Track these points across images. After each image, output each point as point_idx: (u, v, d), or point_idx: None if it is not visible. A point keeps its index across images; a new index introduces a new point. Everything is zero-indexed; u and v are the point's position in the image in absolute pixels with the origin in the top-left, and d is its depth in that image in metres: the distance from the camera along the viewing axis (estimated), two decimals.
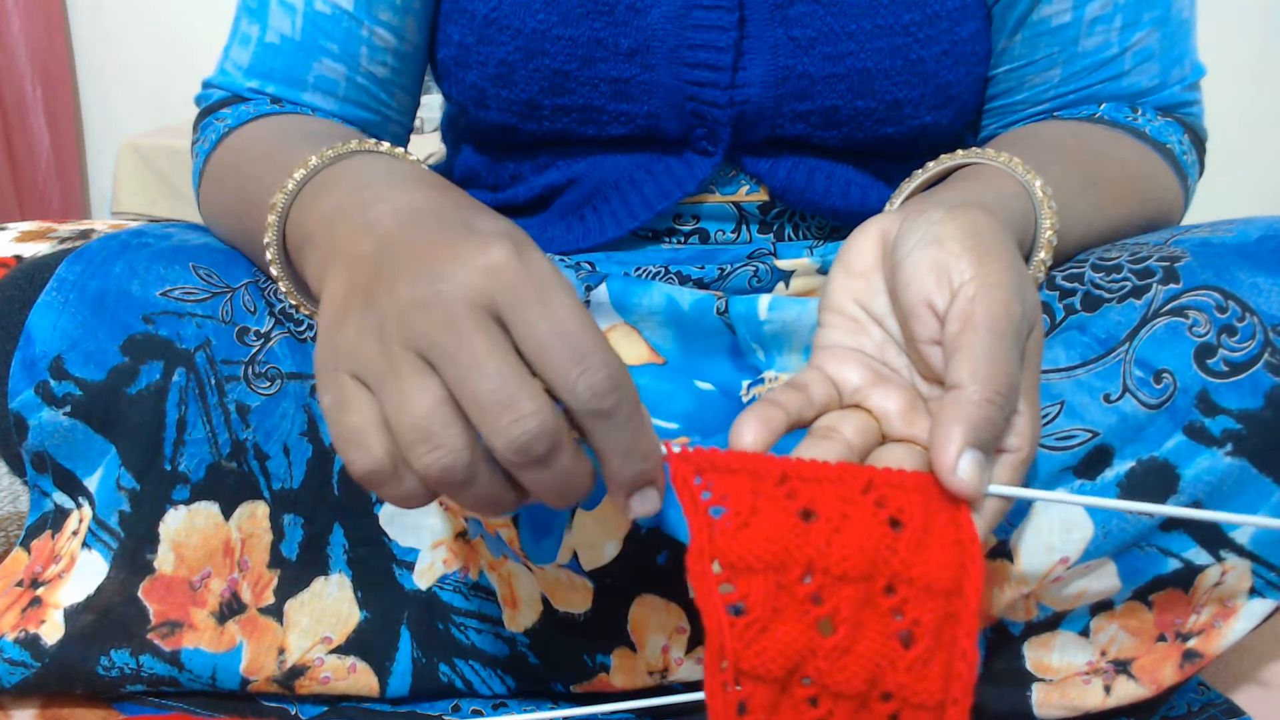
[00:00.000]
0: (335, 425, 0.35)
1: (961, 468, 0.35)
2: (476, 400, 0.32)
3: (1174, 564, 0.47)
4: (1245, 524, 0.37)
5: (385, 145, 0.47)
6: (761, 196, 0.61)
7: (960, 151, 0.51)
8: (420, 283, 0.33)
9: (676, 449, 0.35)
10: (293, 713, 0.53)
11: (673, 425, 0.53)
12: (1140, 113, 0.60)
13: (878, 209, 0.62)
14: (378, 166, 0.44)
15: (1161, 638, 0.49)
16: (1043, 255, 0.47)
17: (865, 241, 0.43)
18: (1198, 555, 0.47)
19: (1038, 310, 0.40)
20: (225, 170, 0.57)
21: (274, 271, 0.47)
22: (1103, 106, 0.60)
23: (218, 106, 0.61)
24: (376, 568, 0.53)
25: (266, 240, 0.46)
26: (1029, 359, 0.38)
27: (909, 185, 0.52)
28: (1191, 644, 0.48)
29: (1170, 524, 0.47)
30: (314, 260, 0.41)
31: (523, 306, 0.33)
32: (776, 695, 0.35)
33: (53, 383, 0.49)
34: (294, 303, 0.49)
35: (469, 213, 0.38)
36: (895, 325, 0.42)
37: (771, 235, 0.63)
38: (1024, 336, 0.38)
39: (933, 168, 0.51)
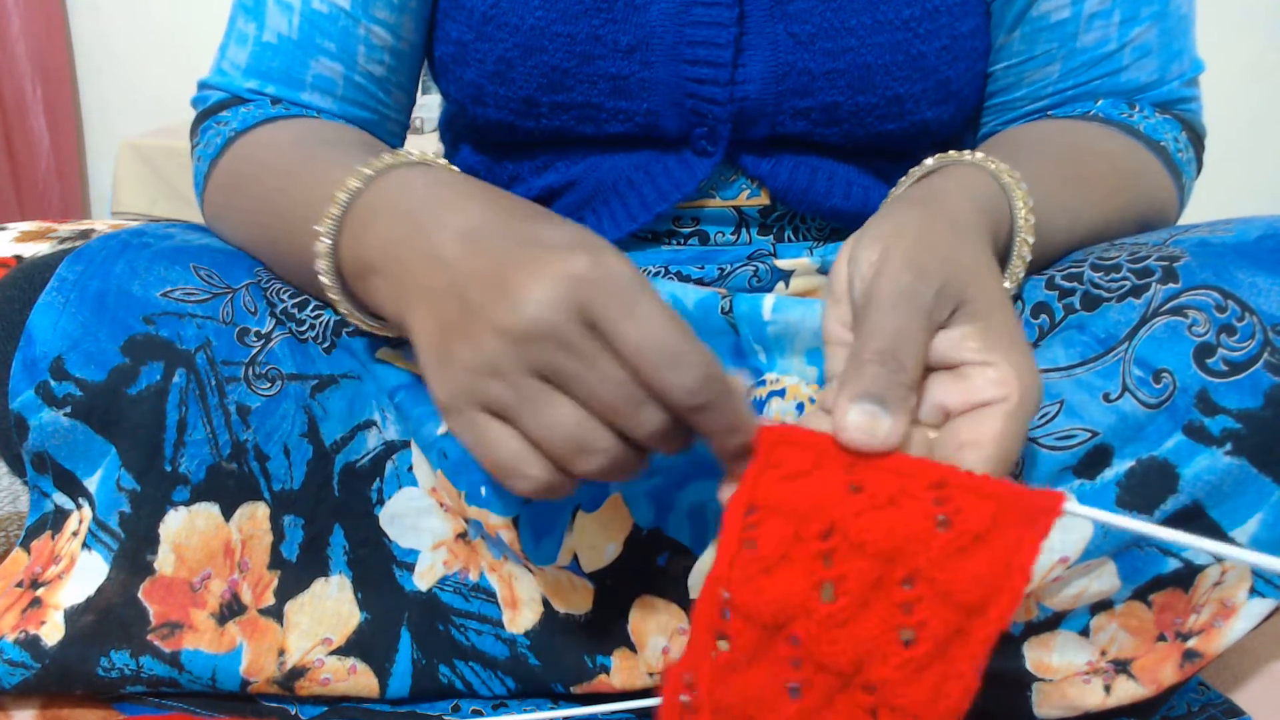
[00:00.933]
0: (488, 460, 0.38)
1: (850, 418, 0.36)
2: (616, 408, 0.36)
3: (1174, 564, 0.47)
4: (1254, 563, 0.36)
5: (416, 154, 0.47)
6: (762, 200, 0.61)
7: (933, 158, 0.51)
8: (521, 309, 0.36)
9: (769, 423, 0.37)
10: (293, 713, 0.53)
11: None
12: (1137, 109, 0.60)
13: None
14: (421, 181, 0.44)
15: (1161, 637, 0.49)
16: (1024, 235, 0.47)
17: (839, 266, 0.44)
18: (1197, 555, 0.47)
19: (978, 276, 0.40)
20: (243, 180, 0.56)
21: (331, 297, 0.47)
22: (1099, 103, 0.60)
23: (216, 109, 0.61)
24: (377, 569, 0.53)
25: (321, 268, 0.46)
26: (978, 313, 0.39)
27: (894, 194, 0.52)
28: (1191, 644, 0.48)
29: (1170, 524, 0.47)
30: (386, 293, 0.43)
31: (612, 315, 0.35)
32: (761, 641, 0.35)
33: (53, 383, 0.49)
34: (355, 324, 0.49)
35: (532, 224, 0.39)
36: None
37: (771, 237, 0.63)
38: (922, 300, 0.38)
39: (917, 173, 0.51)
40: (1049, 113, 0.62)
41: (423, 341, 0.39)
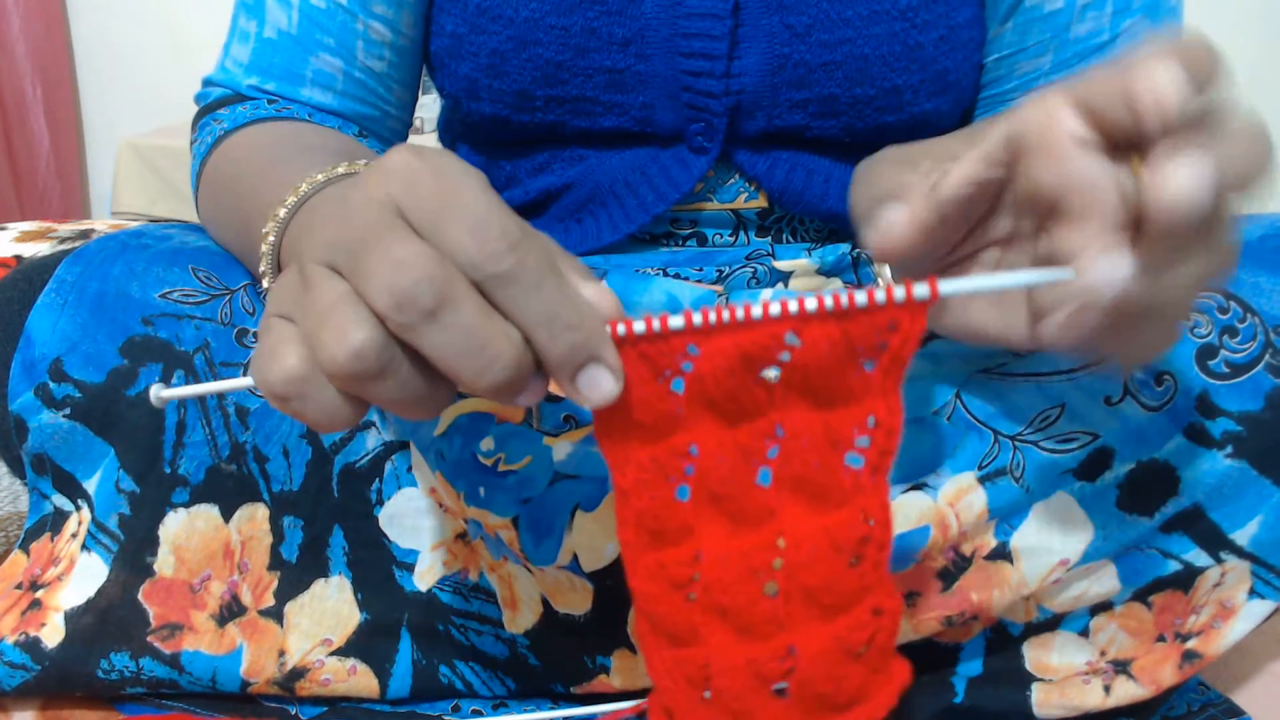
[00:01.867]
0: (254, 355, 0.32)
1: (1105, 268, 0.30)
2: (365, 272, 0.30)
3: (1174, 566, 0.47)
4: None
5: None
6: (759, 203, 0.61)
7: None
8: (332, 203, 0.33)
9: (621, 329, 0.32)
10: (293, 713, 0.53)
11: None
12: None
13: None
14: None
15: (1161, 638, 0.49)
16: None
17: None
18: (1198, 557, 0.47)
19: None
20: (223, 180, 0.56)
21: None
22: None
23: (216, 106, 0.62)
24: (376, 569, 0.53)
25: (262, 269, 0.46)
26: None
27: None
28: (1191, 644, 0.48)
29: (1170, 525, 0.47)
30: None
31: (421, 195, 0.30)
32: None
33: (52, 385, 0.49)
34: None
35: None
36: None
37: (769, 238, 0.63)
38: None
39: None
40: None
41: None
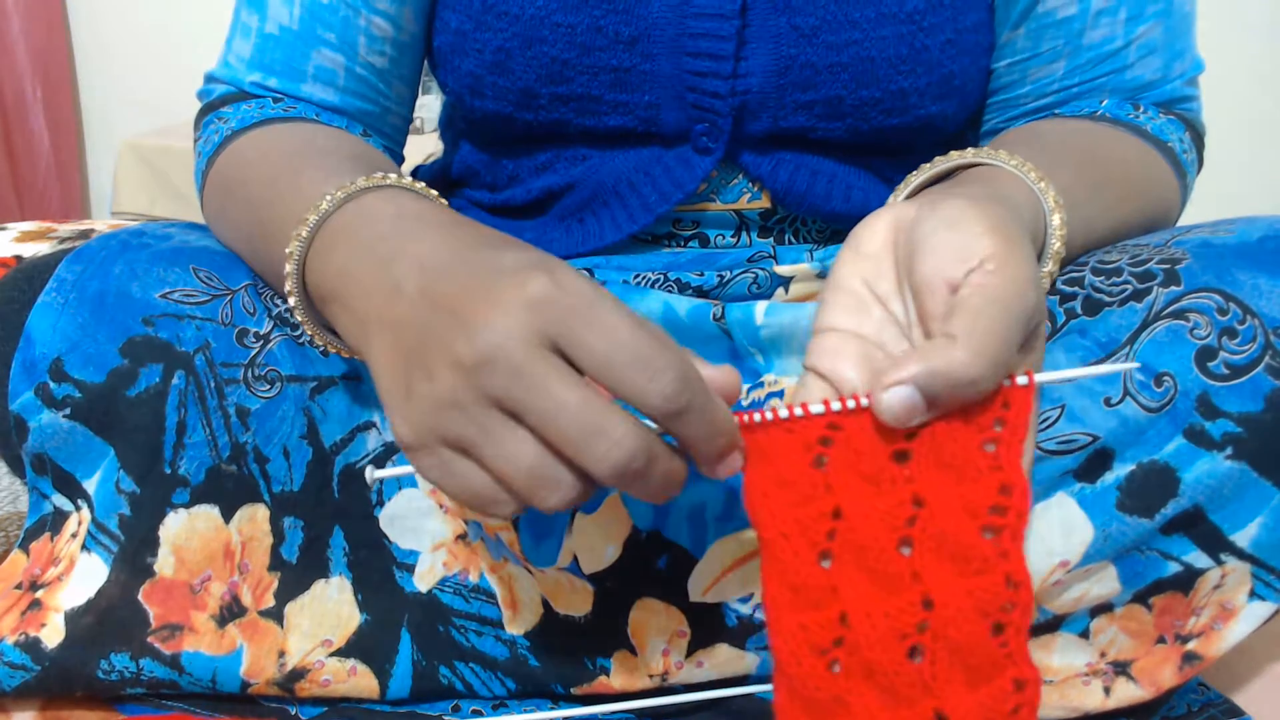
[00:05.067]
0: (457, 496, 0.37)
1: (892, 394, 0.35)
2: (568, 438, 0.34)
3: (1174, 567, 0.47)
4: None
5: (392, 177, 0.46)
6: (762, 204, 0.61)
7: (970, 151, 0.50)
8: (476, 339, 0.34)
9: (746, 419, 0.37)
10: (293, 713, 0.53)
11: None
12: (1142, 110, 0.60)
13: None
14: (388, 210, 0.44)
15: (1161, 640, 0.49)
16: (1050, 267, 0.47)
17: (878, 224, 0.42)
18: (1198, 559, 0.47)
19: (1044, 306, 0.39)
20: (233, 184, 0.56)
21: (299, 316, 0.46)
22: (1105, 103, 0.60)
23: (219, 103, 0.61)
24: (377, 570, 0.53)
25: (288, 289, 0.45)
26: (1034, 344, 0.38)
27: (916, 178, 0.51)
28: (1191, 646, 0.48)
29: (1170, 527, 0.47)
30: (347, 322, 0.42)
31: (576, 332, 0.34)
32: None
33: (52, 385, 0.49)
34: (320, 344, 0.48)
35: (491, 251, 0.38)
36: (899, 307, 0.41)
37: (771, 239, 0.62)
38: (1029, 327, 0.37)
39: (940, 163, 0.50)
40: (1055, 111, 0.62)
41: (382, 376, 0.39)
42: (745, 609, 0.52)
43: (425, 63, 0.67)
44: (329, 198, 0.45)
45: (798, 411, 0.36)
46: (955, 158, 0.50)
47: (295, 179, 0.49)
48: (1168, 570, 0.47)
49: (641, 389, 0.34)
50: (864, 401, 0.36)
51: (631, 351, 0.34)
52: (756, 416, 0.37)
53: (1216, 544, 0.47)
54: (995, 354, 0.35)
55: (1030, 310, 0.36)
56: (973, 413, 0.35)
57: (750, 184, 0.61)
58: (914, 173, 0.51)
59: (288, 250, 0.45)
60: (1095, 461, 0.46)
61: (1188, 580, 0.47)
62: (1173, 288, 0.47)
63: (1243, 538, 0.46)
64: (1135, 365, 0.40)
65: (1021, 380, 0.35)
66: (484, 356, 0.34)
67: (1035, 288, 0.37)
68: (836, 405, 0.36)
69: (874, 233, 0.41)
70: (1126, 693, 0.49)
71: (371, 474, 0.40)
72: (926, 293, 0.38)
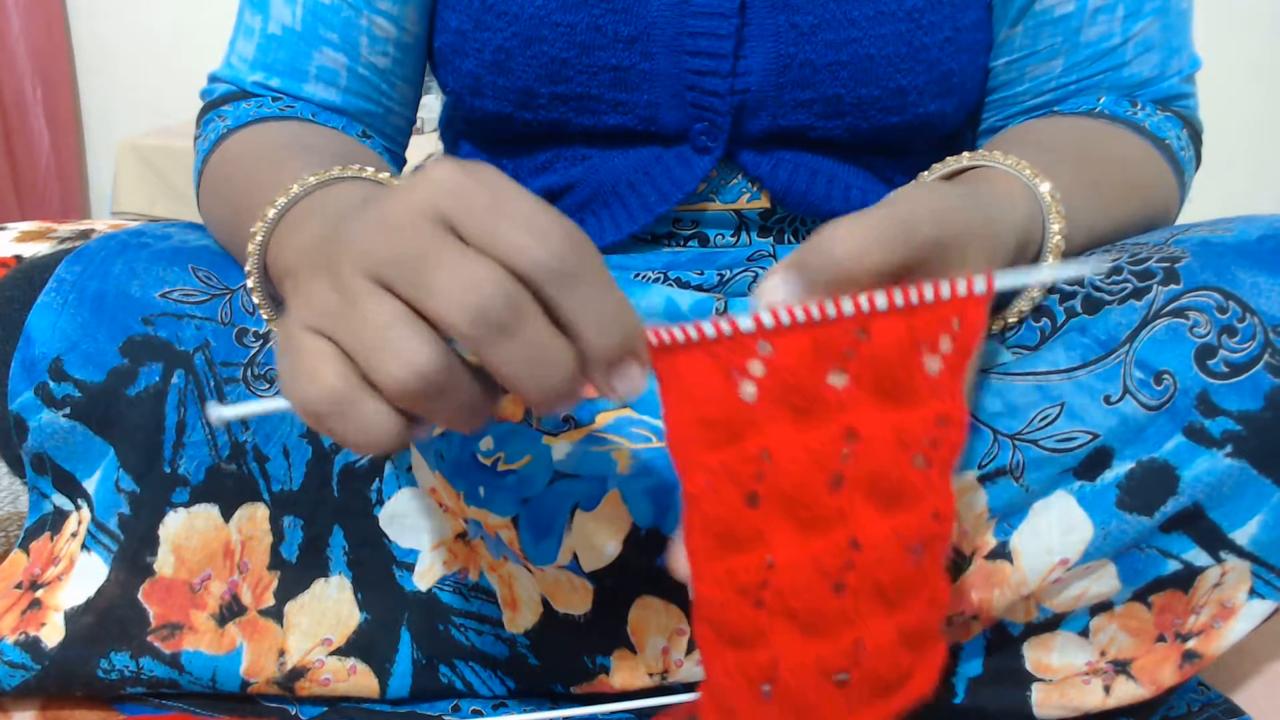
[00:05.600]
0: (283, 374, 0.32)
1: (769, 280, 0.35)
2: (431, 290, 0.30)
3: (1174, 565, 0.47)
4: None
5: (369, 170, 0.47)
6: (762, 204, 0.61)
7: (966, 155, 0.50)
8: (368, 214, 0.32)
9: (665, 336, 0.32)
10: (293, 713, 0.53)
11: None
12: (1140, 107, 0.60)
13: None
14: (354, 195, 0.44)
15: (1161, 638, 0.49)
16: (1051, 260, 0.47)
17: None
18: (1197, 556, 0.47)
19: (977, 256, 0.39)
20: (220, 179, 0.57)
21: (256, 299, 0.47)
22: (1102, 100, 0.60)
23: (220, 102, 0.62)
24: (376, 569, 0.53)
25: (248, 269, 0.46)
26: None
27: (925, 175, 0.51)
28: (1191, 644, 0.48)
29: (1170, 525, 0.47)
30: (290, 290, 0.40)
31: (472, 206, 0.31)
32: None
33: (52, 384, 0.49)
34: (272, 329, 0.49)
35: None
36: None
37: (771, 239, 0.62)
38: (914, 240, 0.35)
39: (938, 169, 0.50)
40: (1054, 108, 0.62)
41: (289, 293, 0.35)
42: None
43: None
44: (299, 184, 0.45)
45: (725, 328, 0.32)
46: (951, 163, 0.50)
47: (277, 172, 0.49)
48: (1167, 568, 0.47)
49: (527, 247, 0.30)
50: (800, 316, 0.32)
51: (524, 215, 0.30)
52: (678, 334, 0.32)
53: (1216, 542, 0.47)
54: (869, 241, 0.34)
55: (911, 224, 0.35)
56: (918, 328, 0.33)
57: (749, 184, 0.61)
58: (927, 171, 0.51)
59: (252, 230, 0.45)
60: (1095, 459, 0.46)
61: (1187, 578, 0.47)
62: (1172, 286, 0.47)
63: (1242, 535, 0.46)
64: (1097, 265, 0.37)
65: (979, 285, 0.32)
66: (368, 226, 0.31)
67: (933, 219, 0.36)
68: (769, 320, 0.32)
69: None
70: (1126, 691, 0.49)
71: (215, 411, 0.34)
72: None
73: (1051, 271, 0.36)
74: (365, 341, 0.30)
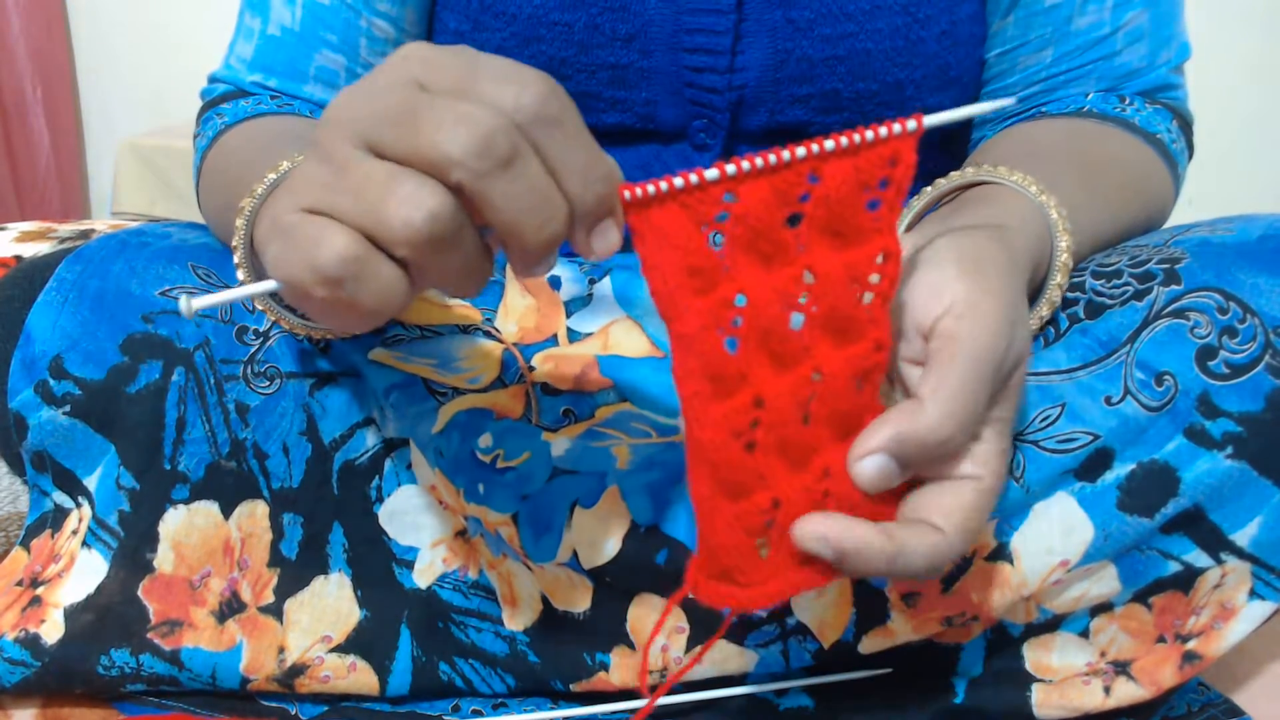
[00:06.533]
0: (285, 247, 0.32)
1: (866, 464, 0.36)
2: (430, 136, 0.30)
3: (1174, 566, 0.47)
4: None
5: None
6: None
7: (970, 170, 0.49)
8: (343, 94, 0.32)
9: (637, 192, 0.34)
10: (292, 712, 0.53)
11: (673, 420, 0.53)
12: (1128, 102, 0.60)
13: None
14: None
15: (1161, 639, 0.49)
16: (1059, 279, 0.46)
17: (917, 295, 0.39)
18: (1198, 558, 0.47)
19: (1026, 348, 0.39)
20: (217, 171, 0.57)
21: (240, 275, 0.46)
22: (1090, 97, 0.60)
23: (219, 101, 0.62)
24: (376, 566, 0.53)
25: (235, 243, 0.46)
26: (1006, 395, 0.38)
27: (917, 203, 0.50)
28: (1191, 645, 0.48)
29: (1171, 526, 0.47)
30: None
31: (446, 68, 0.31)
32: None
33: (52, 382, 0.49)
34: (259, 306, 0.49)
35: None
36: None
37: None
38: (1003, 374, 0.37)
39: (943, 184, 0.50)
40: (1043, 108, 0.62)
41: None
42: None
43: None
44: (288, 162, 0.45)
45: (693, 179, 0.34)
46: (956, 178, 0.49)
47: (273, 158, 0.49)
48: (1168, 569, 0.47)
49: (510, 93, 0.30)
50: (759, 163, 0.35)
51: (501, 68, 0.31)
52: (650, 188, 0.34)
53: (1216, 543, 0.47)
54: (964, 414, 0.35)
55: (1000, 360, 0.36)
56: (861, 169, 0.36)
57: None
58: (915, 197, 0.50)
59: (241, 204, 0.45)
60: (1095, 461, 0.46)
61: (1188, 579, 0.47)
62: (1173, 286, 0.47)
63: (1242, 537, 0.46)
64: (1009, 100, 0.39)
65: (910, 125, 0.35)
66: (353, 98, 0.32)
67: (1007, 335, 0.37)
68: (731, 169, 0.35)
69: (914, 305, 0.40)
70: (1126, 692, 0.49)
71: (186, 302, 0.33)
72: (903, 339, 0.38)
73: (977, 107, 0.38)
74: (370, 197, 0.30)
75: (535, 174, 0.31)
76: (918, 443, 0.35)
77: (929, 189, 0.50)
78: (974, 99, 0.64)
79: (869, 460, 0.36)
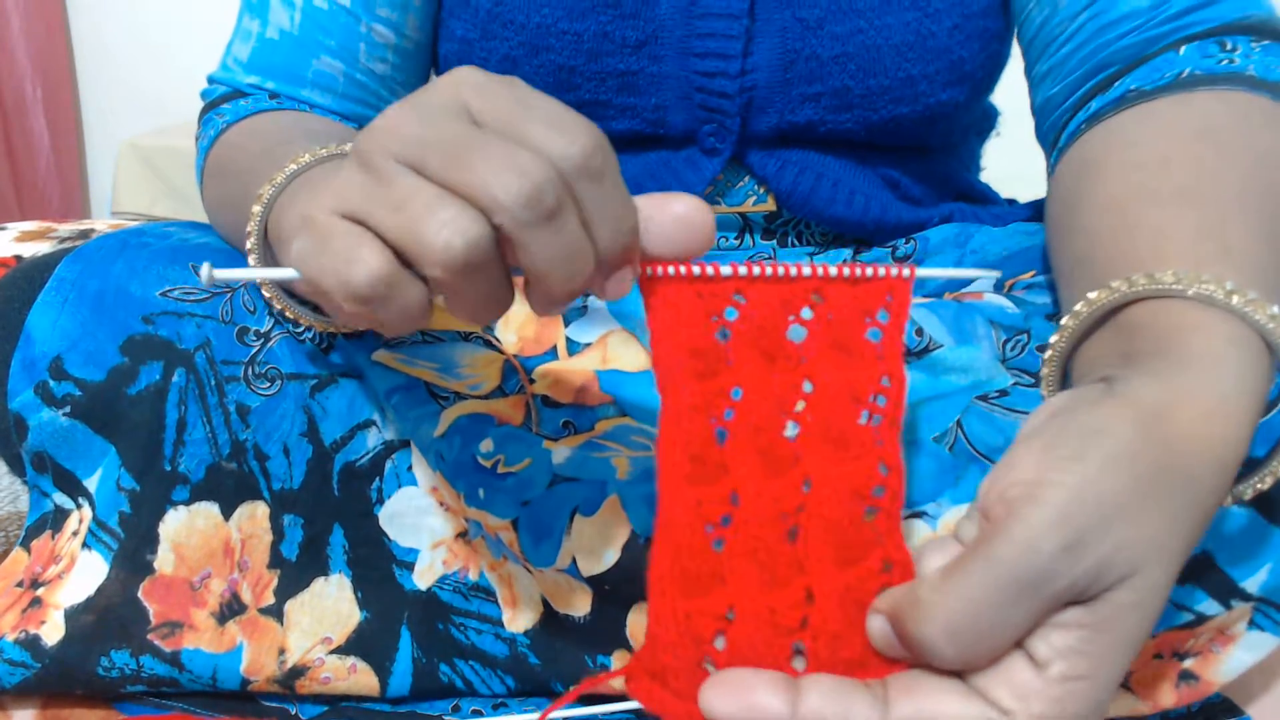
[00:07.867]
0: (317, 250, 0.32)
1: (872, 622, 0.34)
2: (479, 173, 0.30)
3: (1186, 617, 0.47)
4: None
5: None
6: (768, 206, 0.61)
7: (1139, 275, 0.37)
8: (394, 108, 0.32)
9: (659, 270, 0.35)
10: (293, 713, 0.53)
11: None
12: (1231, 48, 0.49)
13: (880, 219, 0.62)
14: None
15: (1158, 655, 0.49)
16: None
17: (1037, 416, 0.36)
18: (1209, 607, 0.46)
19: (1129, 566, 0.31)
20: (223, 166, 0.57)
21: (251, 261, 0.46)
22: (1183, 51, 0.49)
23: (219, 101, 0.62)
24: (376, 568, 0.53)
25: (249, 229, 0.45)
26: (1113, 626, 0.31)
27: (1071, 324, 0.40)
28: (1188, 664, 0.48)
29: (1184, 578, 0.45)
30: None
31: (498, 103, 0.32)
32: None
33: (52, 383, 0.49)
34: (266, 295, 0.49)
35: None
36: None
37: (774, 241, 0.62)
38: (1052, 596, 0.30)
39: (1098, 301, 0.39)
40: (1131, 87, 0.50)
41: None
42: None
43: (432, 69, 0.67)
44: (310, 155, 0.45)
45: (709, 270, 0.35)
46: (1120, 290, 0.38)
47: (288, 149, 0.49)
48: (1179, 620, 0.47)
49: (558, 142, 0.31)
50: (769, 271, 0.36)
51: (550, 112, 0.31)
52: (671, 270, 0.35)
53: (1228, 592, 0.46)
54: (968, 632, 0.31)
55: (1041, 575, 0.30)
56: (861, 296, 0.37)
57: (756, 186, 0.61)
58: (1068, 316, 0.40)
59: (259, 191, 0.45)
60: None
61: (1195, 624, 0.47)
62: None
63: (1253, 584, 0.45)
64: (996, 273, 0.40)
65: (905, 273, 0.37)
66: (397, 117, 0.32)
67: (1070, 540, 0.30)
68: (744, 271, 0.36)
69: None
70: (1124, 704, 0.49)
71: (208, 271, 0.34)
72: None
73: (968, 271, 0.40)
74: (411, 213, 0.30)
75: (573, 229, 0.31)
76: (911, 640, 0.32)
77: (1081, 306, 0.39)
78: (988, 95, 0.63)
79: (874, 618, 0.34)
